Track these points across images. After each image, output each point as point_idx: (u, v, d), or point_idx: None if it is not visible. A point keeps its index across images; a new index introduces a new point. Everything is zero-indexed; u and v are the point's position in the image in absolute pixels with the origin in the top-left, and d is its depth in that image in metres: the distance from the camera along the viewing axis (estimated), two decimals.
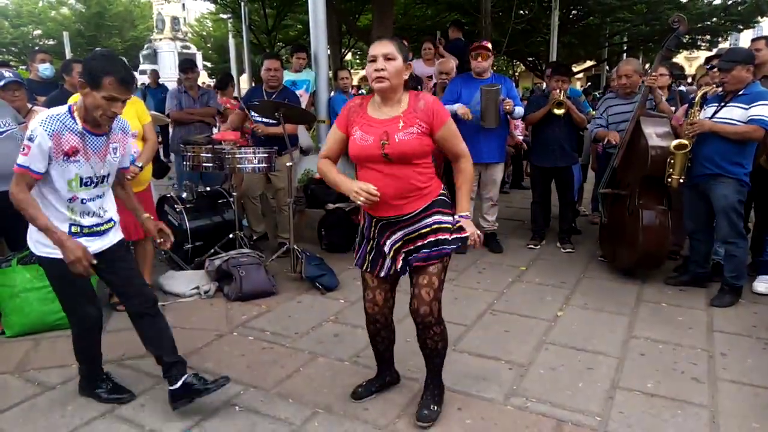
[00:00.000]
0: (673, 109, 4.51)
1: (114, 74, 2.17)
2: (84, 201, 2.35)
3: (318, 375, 2.87)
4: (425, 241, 2.27)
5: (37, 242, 2.35)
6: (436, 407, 2.46)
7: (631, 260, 4.19)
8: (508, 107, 4.61)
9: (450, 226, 2.29)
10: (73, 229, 2.34)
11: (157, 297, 2.62)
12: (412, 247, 2.30)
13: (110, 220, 2.48)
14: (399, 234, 2.31)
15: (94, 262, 2.30)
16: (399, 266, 2.33)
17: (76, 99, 3.52)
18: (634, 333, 3.34)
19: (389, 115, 2.24)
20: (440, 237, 2.27)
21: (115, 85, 2.18)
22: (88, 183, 2.34)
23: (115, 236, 2.53)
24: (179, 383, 2.46)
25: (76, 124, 2.27)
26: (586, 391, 2.69)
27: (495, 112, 4.55)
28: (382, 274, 2.38)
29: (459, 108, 4.57)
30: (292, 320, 3.57)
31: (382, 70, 2.14)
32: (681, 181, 3.79)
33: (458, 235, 2.28)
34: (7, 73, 3.74)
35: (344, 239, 4.98)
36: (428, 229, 2.28)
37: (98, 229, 2.42)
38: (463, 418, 2.49)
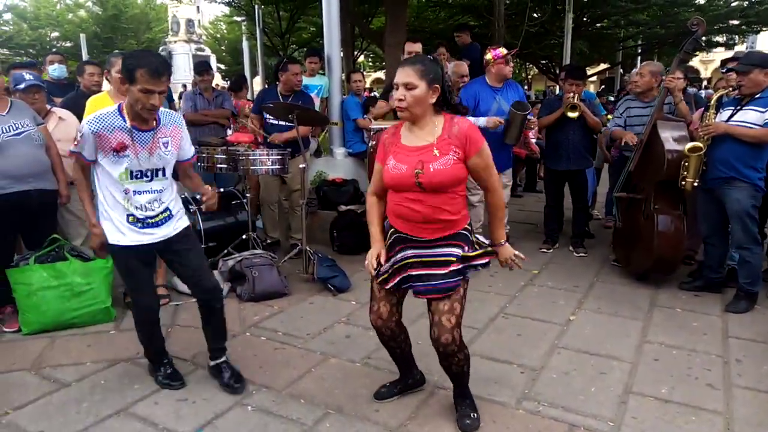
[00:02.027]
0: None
1: (144, 66, 2.27)
2: (135, 193, 2.48)
3: (329, 376, 2.88)
4: (440, 271, 2.22)
5: (107, 230, 2.53)
6: (475, 414, 2.45)
7: (645, 265, 4.16)
8: (533, 127, 4.63)
9: (462, 254, 2.24)
10: (130, 219, 2.50)
11: (219, 289, 2.76)
12: (415, 273, 2.26)
13: (165, 210, 2.58)
14: (410, 252, 2.28)
15: (103, 255, 2.59)
16: (395, 281, 2.31)
17: (95, 100, 3.60)
18: (648, 338, 3.31)
19: (424, 141, 2.18)
20: (455, 267, 2.22)
21: (146, 77, 2.27)
22: (138, 176, 2.47)
23: (178, 225, 2.63)
24: (213, 362, 2.81)
25: (125, 121, 2.41)
26: (599, 396, 2.68)
27: (519, 131, 4.58)
28: (387, 285, 2.34)
29: (488, 122, 4.49)
30: (304, 321, 3.58)
31: (402, 100, 2.13)
32: (695, 184, 3.75)
33: (477, 262, 2.27)
34: (28, 76, 3.81)
35: (356, 241, 4.98)
36: (440, 259, 2.23)
37: (152, 220, 2.54)
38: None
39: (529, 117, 4.59)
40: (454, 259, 2.23)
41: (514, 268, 2.36)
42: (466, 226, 2.30)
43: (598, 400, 2.64)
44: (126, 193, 2.47)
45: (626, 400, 2.64)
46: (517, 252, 2.31)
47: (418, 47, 5.35)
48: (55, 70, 5.40)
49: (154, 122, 2.47)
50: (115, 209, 2.50)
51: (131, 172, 2.45)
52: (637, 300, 3.91)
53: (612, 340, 3.27)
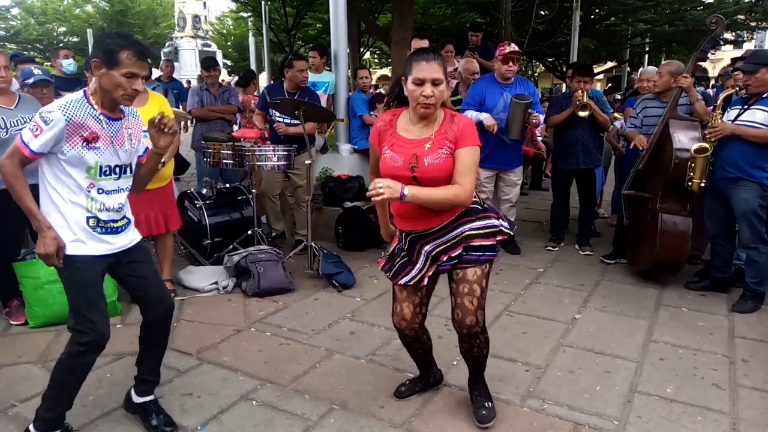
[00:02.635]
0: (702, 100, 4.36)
1: (131, 48, 2.07)
2: (101, 191, 2.18)
3: (334, 372, 2.89)
4: (457, 252, 2.23)
5: (65, 238, 2.16)
6: (490, 404, 2.46)
7: (648, 264, 4.14)
8: (534, 121, 4.56)
9: (486, 230, 2.24)
10: (91, 222, 2.17)
11: (172, 305, 2.42)
12: (445, 259, 2.25)
13: (125, 217, 2.31)
14: (430, 246, 2.27)
15: (59, 264, 2.12)
16: (431, 274, 2.29)
17: None
18: (654, 337, 3.30)
19: (420, 136, 2.17)
20: (474, 243, 2.23)
21: (133, 59, 2.07)
22: (108, 173, 2.19)
23: (133, 237, 2.35)
24: (141, 399, 2.42)
25: (94, 109, 2.14)
26: (604, 395, 2.67)
27: (522, 125, 4.49)
28: (403, 280, 2.32)
29: (486, 119, 4.48)
30: (309, 317, 3.59)
31: (431, 96, 2.06)
32: (702, 185, 3.73)
33: (494, 241, 2.27)
34: (37, 71, 3.82)
35: (361, 237, 4.99)
36: (458, 238, 2.23)
37: (114, 225, 2.24)
38: None
39: (531, 111, 4.51)
40: (468, 234, 2.22)
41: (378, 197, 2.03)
42: (475, 199, 2.25)
43: (603, 399, 2.63)
44: (89, 192, 2.15)
45: (631, 399, 2.64)
46: (380, 189, 1.98)
47: (425, 44, 5.34)
48: (70, 64, 5.42)
49: (120, 112, 2.23)
50: (72, 212, 2.14)
51: (101, 167, 2.16)
52: (643, 299, 3.89)
53: (617, 339, 3.26)
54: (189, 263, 4.48)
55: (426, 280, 2.30)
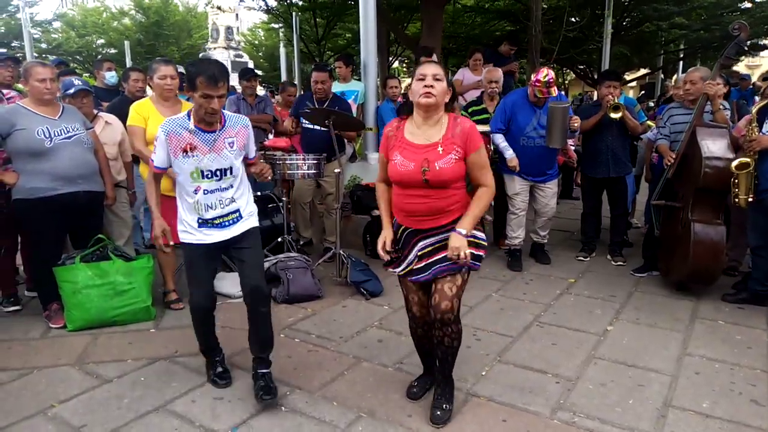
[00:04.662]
0: (727, 114, 4.27)
1: (202, 74, 2.42)
2: (206, 192, 2.61)
3: (362, 379, 2.90)
4: (441, 255, 2.39)
5: (179, 230, 2.71)
6: (448, 406, 2.55)
7: (682, 275, 4.04)
8: (576, 125, 4.49)
9: (479, 240, 2.43)
10: (200, 221, 2.64)
11: (258, 289, 2.67)
12: (435, 259, 2.41)
13: (236, 211, 2.69)
14: (422, 243, 2.43)
15: (168, 246, 2.73)
16: (418, 267, 2.44)
17: (138, 106, 3.72)
18: (689, 350, 3.22)
19: (428, 140, 2.36)
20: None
21: (205, 83, 2.41)
22: (209, 175, 2.59)
23: (242, 228, 2.71)
24: (255, 370, 2.77)
25: (191, 123, 2.55)
26: (637, 409, 2.61)
27: (562, 130, 4.38)
28: (398, 270, 2.52)
29: (510, 159, 4.55)
30: (337, 324, 3.61)
31: (432, 87, 2.29)
32: (750, 200, 3.63)
33: (476, 252, 2.41)
34: (77, 81, 3.96)
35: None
36: (446, 242, 2.37)
37: (221, 220, 2.66)
38: (508, 429, 2.46)
39: (571, 115, 4.43)
40: (473, 240, 2.38)
41: (460, 261, 2.33)
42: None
43: (636, 413, 2.58)
44: (196, 193, 2.60)
45: (665, 414, 2.57)
46: (469, 250, 2.32)
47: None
48: (112, 77, 5.62)
49: (219, 124, 2.60)
50: (189, 215, 2.66)
51: (202, 172, 2.58)
52: (677, 311, 3.80)
53: (651, 352, 3.19)
54: (221, 270, 4.56)
55: (415, 276, 2.46)
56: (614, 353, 3.19)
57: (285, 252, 4.39)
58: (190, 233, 2.67)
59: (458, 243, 2.31)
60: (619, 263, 4.84)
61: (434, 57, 5.94)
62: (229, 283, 4.18)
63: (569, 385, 2.83)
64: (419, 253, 2.44)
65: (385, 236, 2.52)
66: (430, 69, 2.33)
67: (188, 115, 2.58)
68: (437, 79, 2.31)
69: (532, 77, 4.55)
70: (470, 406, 2.64)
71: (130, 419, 2.54)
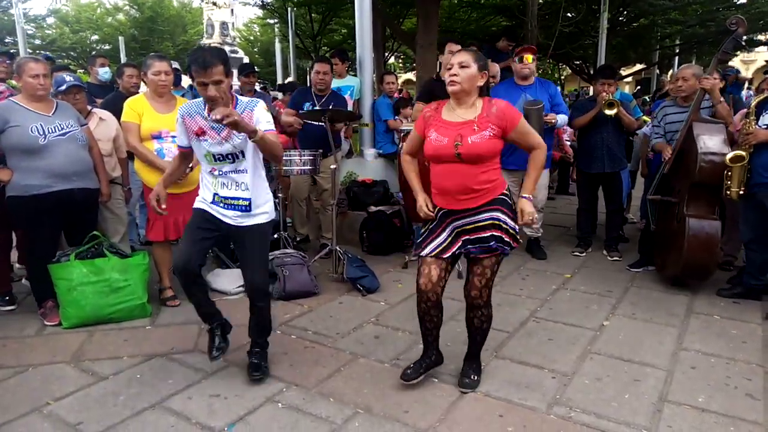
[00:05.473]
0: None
1: (193, 63, 2.43)
2: (220, 173, 2.67)
3: (358, 375, 2.90)
4: (485, 234, 2.51)
5: (197, 200, 2.78)
6: (476, 377, 2.74)
7: (677, 269, 4.05)
8: (552, 121, 4.57)
9: (510, 229, 2.52)
10: (216, 198, 2.70)
11: (259, 287, 2.75)
12: (472, 237, 2.53)
13: (247, 199, 2.68)
14: (460, 222, 2.54)
15: (162, 208, 2.79)
16: (456, 247, 2.55)
17: (132, 101, 3.70)
18: (684, 345, 3.23)
19: (463, 118, 2.49)
20: (497, 234, 2.50)
21: (196, 71, 2.43)
22: (221, 159, 2.64)
23: (247, 221, 2.70)
24: (250, 358, 2.90)
25: (204, 109, 2.60)
26: (633, 403, 2.62)
27: (538, 129, 4.38)
28: (425, 251, 2.58)
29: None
30: (334, 321, 3.61)
31: (456, 75, 2.45)
32: (741, 192, 3.64)
33: (511, 241, 2.54)
34: (69, 77, 3.93)
35: (385, 242, 5.00)
36: (488, 222, 2.50)
37: (233, 202, 2.68)
38: (505, 425, 2.46)
39: (546, 113, 4.49)
40: (497, 222, 2.50)
41: (525, 226, 2.54)
42: (504, 191, 2.56)
43: (632, 408, 2.59)
44: (212, 173, 2.68)
45: (661, 408, 2.58)
46: (536, 215, 2.48)
47: (458, 48, 5.34)
48: (105, 72, 5.57)
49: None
50: (206, 187, 2.74)
51: (213, 155, 2.63)
52: (672, 306, 3.81)
53: (647, 347, 3.20)
54: (217, 266, 4.55)
55: (448, 253, 2.56)
56: (610, 348, 3.19)
57: (281, 248, 4.38)
58: (202, 201, 2.74)
59: (529, 208, 2.52)
60: (614, 258, 4.85)
61: (458, 47, 5.73)
62: (225, 280, 4.17)
63: (565, 380, 2.84)
64: (452, 234, 2.55)
65: (423, 198, 2.65)
66: (457, 57, 2.47)
67: (204, 101, 2.61)
68: (463, 67, 2.43)
69: (514, 53, 4.74)
70: (467, 401, 2.64)
71: (126, 416, 2.53)
